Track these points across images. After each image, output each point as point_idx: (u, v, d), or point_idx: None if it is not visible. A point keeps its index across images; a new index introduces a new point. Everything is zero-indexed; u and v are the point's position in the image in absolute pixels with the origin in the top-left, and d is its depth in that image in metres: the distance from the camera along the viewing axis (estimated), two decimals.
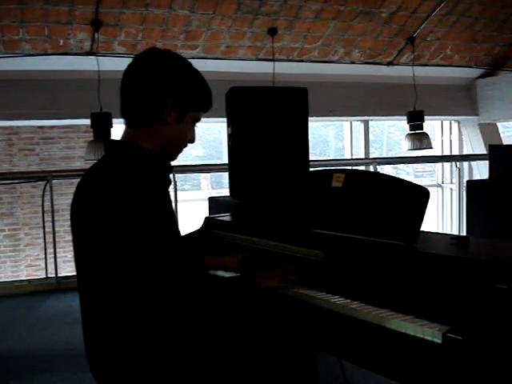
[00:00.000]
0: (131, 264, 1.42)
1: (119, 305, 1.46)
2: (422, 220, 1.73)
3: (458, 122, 7.80)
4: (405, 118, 6.08)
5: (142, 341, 1.46)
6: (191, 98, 1.59)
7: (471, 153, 7.48)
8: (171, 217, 1.50)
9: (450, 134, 7.99)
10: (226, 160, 3.06)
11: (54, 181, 5.28)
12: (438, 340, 1.33)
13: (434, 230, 6.60)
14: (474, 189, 4.77)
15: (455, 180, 7.43)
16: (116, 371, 1.49)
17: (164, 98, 1.54)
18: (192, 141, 1.68)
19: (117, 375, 1.49)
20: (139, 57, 1.60)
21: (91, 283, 1.53)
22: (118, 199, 1.42)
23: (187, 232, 2.30)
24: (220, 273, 2.03)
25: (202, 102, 1.64)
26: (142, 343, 1.46)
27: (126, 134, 1.60)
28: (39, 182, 5.65)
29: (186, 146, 1.68)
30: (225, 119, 2.90)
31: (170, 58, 1.60)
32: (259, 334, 1.71)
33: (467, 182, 5.17)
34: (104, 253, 1.45)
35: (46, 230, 5.32)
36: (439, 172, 8.19)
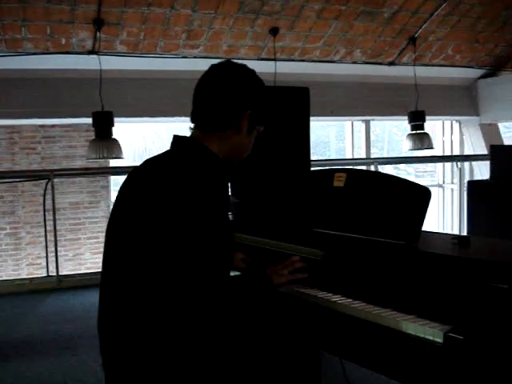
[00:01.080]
0: (171, 257, 1.42)
1: (145, 298, 1.45)
2: (424, 220, 1.73)
3: (459, 123, 7.80)
4: (406, 118, 6.08)
5: (159, 336, 1.46)
6: (263, 112, 1.69)
7: (472, 153, 7.48)
8: (226, 220, 1.54)
9: (451, 134, 7.99)
10: None
11: (55, 179, 5.30)
12: (440, 339, 1.33)
13: (435, 230, 6.60)
14: (474, 189, 4.78)
15: (456, 180, 7.44)
16: (130, 366, 1.49)
17: (243, 109, 1.62)
18: (250, 153, 1.74)
19: (130, 370, 1.49)
20: (217, 67, 1.66)
21: (121, 275, 1.52)
22: (178, 193, 1.45)
23: None
24: None
25: (267, 117, 1.72)
26: (159, 338, 1.46)
27: (194, 135, 1.64)
28: (41, 181, 5.67)
29: (246, 156, 1.74)
30: None
31: (248, 73, 1.68)
32: (263, 333, 1.71)
33: (468, 182, 5.18)
34: (148, 242, 1.45)
35: (48, 228, 5.33)
36: (440, 172, 8.19)
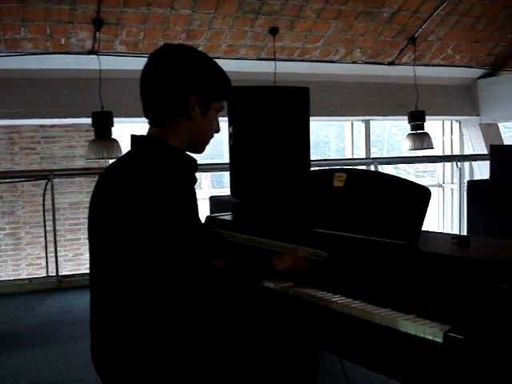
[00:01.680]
0: (151, 257, 1.42)
1: (131, 299, 1.45)
2: (424, 219, 1.73)
3: (459, 122, 7.80)
4: (406, 117, 6.08)
5: (150, 335, 1.46)
6: (213, 89, 1.61)
7: (472, 153, 7.48)
8: (195, 215, 1.51)
9: (451, 134, 7.99)
10: (226, 159, 3.06)
11: (55, 179, 5.29)
12: (440, 339, 1.33)
13: (434, 229, 6.60)
14: (474, 189, 4.77)
15: (456, 180, 7.43)
16: (122, 369, 1.49)
17: (186, 94, 1.55)
18: (218, 130, 1.69)
19: (122, 373, 1.49)
20: (155, 55, 1.60)
21: (105, 278, 1.52)
22: (145, 194, 1.42)
23: None
24: None
25: (223, 91, 1.65)
26: (150, 338, 1.46)
27: (151, 132, 1.61)
28: (40, 181, 5.65)
29: (212, 136, 1.69)
30: (226, 118, 2.89)
31: (186, 53, 1.60)
32: (262, 332, 1.71)
33: (468, 182, 5.17)
34: (125, 245, 1.45)
35: (47, 228, 5.33)
36: (440, 172, 8.19)
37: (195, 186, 1.61)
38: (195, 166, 1.65)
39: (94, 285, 1.58)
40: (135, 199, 1.44)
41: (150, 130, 1.62)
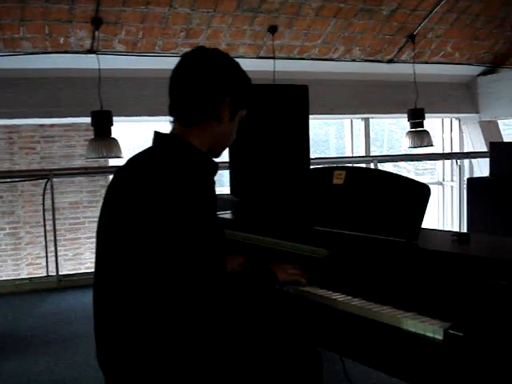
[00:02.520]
0: (164, 256, 1.41)
1: (140, 299, 1.44)
2: (423, 217, 1.73)
3: (459, 120, 7.80)
4: (405, 115, 6.08)
5: (158, 335, 1.45)
6: (243, 96, 1.64)
7: (472, 150, 7.47)
8: (213, 216, 1.50)
9: (451, 131, 7.99)
10: (226, 158, 3.06)
11: (54, 179, 5.30)
12: (440, 336, 1.33)
13: (434, 227, 6.59)
14: (474, 186, 4.77)
15: (456, 177, 7.43)
16: (127, 367, 1.48)
17: (221, 97, 1.57)
18: (234, 139, 1.71)
19: (128, 371, 1.48)
20: (190, 55, 1.61)
21: (114, 277, 1.50)
22: (164, 193, 1.42)
23: None
24: None
25: (249, 100, 1.68)
26: (158, 338, 1.45)
27: (175, 131, 1.60)
28: (40, 181, 5.65)
29: (231, 143, 1.71)
30: None
31: (222, 58, 1.62)
32: (264, 331, 1.71)
33: (468, 179, 5.17)
34: (139, 242, 1.43)
35: (47, 228, 5.33)
36: (440, 170, 8.19)
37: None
38: (215, 169, 1.65)
39: (100, 284, 1.55)
40: (153, 197, 1.43)
41: (174, 128, 1.61)
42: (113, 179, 1.60)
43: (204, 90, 1.56)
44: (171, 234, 1.40)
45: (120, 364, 1.50)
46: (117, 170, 1.61)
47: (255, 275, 1.62)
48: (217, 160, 1.66)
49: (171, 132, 1.61)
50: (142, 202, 1.45)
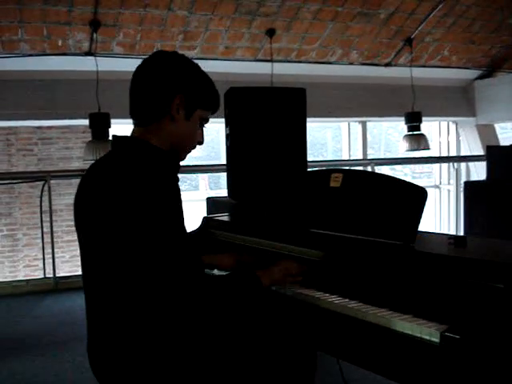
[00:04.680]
0: (134, 259, 1.41)
1: (121, 302, 1.45)
2: (420, 220, 1.73)
3: (456, 123, 7.82)
4: (403, 119, 6.09)
5: (142, 339, 1.46)
6: (198, 95, 1.62)
7: (469, 154, 7.50)
8: (179, 214, 1.49)
9: (448, 135, 8.01)
10: (224, 160, 3.07)
11: (52, 181, 5.29)
12: (436, 339, 1.34)
13: (431, 230, 6.60)
14: (471, 189, 4.79)
15: (453, 181, 7.45)
16: (117, 370, 1.49)
17: (171, 94, 1.57)
18: (201, 142, 1.70)
19: (118, 374, 1.49)
20: (147, 59, 1.63)
21: (95, 280, 1.52)
22: (127, 194, 1.42)
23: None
24: (216, 272, 2.04)
25: (209, 101, 1.66)
26: (142, 341, 1.46)
27: (134, 132, 1.62)
28: (37, 183, 5.65)
29: (194, 147, 1.69)
30: (223, 119, 2.90)
31: (177, 58, 1.62)
32: (258, 333, 1.71)
33: (465, 182, 5.19)
34: (109, 247, 1.44)
35: (44, 230, 5.33)
36: (437, 173, 8.20)
37: (179, 186, 1.59)
38: (177, 165, 1.65)
39: (86, 286, 1.58)
40: (116, 200, 1.43)
41: (133, 130, 1.63)
42: (78, 186, 1.60)
43: (154, 88, 1.58)
44: (133, 234, 1.40)
45: (108, 368, 1.51)
46: (81, 177, 1.62)
47: (240, 280, 1.62)
48: (216, 162, 1.66)
49: (130, 134, 1.62)
50: (103, 206, 1.46)
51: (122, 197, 1.42)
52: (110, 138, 1.64)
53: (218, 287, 1.53)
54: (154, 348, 1.46)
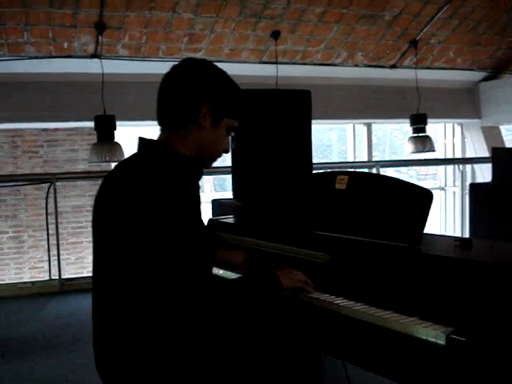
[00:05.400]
0: (150, 261, 1.41)
1: (132, 303, 1.45)
2: (426, 222, 1.73)
3: (461, 125, 7.80)
4: (408, 121, 6.09)
5: (152, 340, 1.45)
6: (226, 103, 1.62)
7: (474, 156, 7.48)
8: (196, 221, 1.50)
9: (453, 137, 7.99)
10: (229, 162, 3.07)
11: (57, 183, 5.31)
12: (442, 341, 1.34)
13: (437, 232, 6.59)
14: (476, 191, 4.77)
15: (458, 183, 7.43)
16: (124, 371, 1.49)
17: (199, 101, 1.57)
18: (226, 151, 1.69)
19: (124, 376, 1.49)
20: (176, 65, 1.64)
21: (106, 280, 1.52)
22: (147, 198, 1.42)
23: None
24: (223, 272, 2.04)
25: (236, 110, 1.66)
26: (152, 343, 1.45)
27: (160, 137, 1.63)
28: (43, 185, 5.67)
29: (220, 155, 1.69)
30: None
31: (206, 66, 1.63)
32: (264, 334, 1.71)
33: (470, 184, 5.17)
34: (126, 248, 1.44)
35: (50, 232, 5.34)
36: (442, 175, 8.19)
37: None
38: (200, 173, 1.65)
39: (96, 288, 1.57)
40: (137, 203, 1.44)
41: (159, 135, 1.64)
42: (100, 185, 1.61)
43: (182, 95, 1.58)
44: (154, 238, 1.41)
45: (115, 370, 1.51)
46: (104, 177, 1.62)
47: (260, 281, 1.62)
48: (221, 164, 1.67)
49: (157, 139, 1.63)
50: (125, 207, 1.46)
51: (142, 200, 1.43)
52: (137, 140, 1.64)
53: (239, 289, 1.54)
54: (163, 350, 1.45)
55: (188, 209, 1.46)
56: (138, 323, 1.45)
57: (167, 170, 1.51)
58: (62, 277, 5.17)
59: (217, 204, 3.27)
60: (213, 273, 1.77)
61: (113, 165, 6.64)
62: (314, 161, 3.08)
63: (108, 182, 1.59)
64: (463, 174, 7.17)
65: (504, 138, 7.63)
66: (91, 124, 4.95)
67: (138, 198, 1.44)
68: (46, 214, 5.38)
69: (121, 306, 1.47)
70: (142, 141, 1.62)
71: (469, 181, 7.29)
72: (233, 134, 1.69)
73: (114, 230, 1.49)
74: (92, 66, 5.11)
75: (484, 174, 7.14)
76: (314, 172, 2.81)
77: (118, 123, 4.84)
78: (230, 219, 2.57)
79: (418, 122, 5.95)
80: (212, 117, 1.59)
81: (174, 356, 1.47)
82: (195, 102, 1.57)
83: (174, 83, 1.60)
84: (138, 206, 1.43)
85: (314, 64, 6.03)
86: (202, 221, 1.54)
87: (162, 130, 1.63)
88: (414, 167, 10.84)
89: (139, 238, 1.42)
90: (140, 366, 1.46)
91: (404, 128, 8.44)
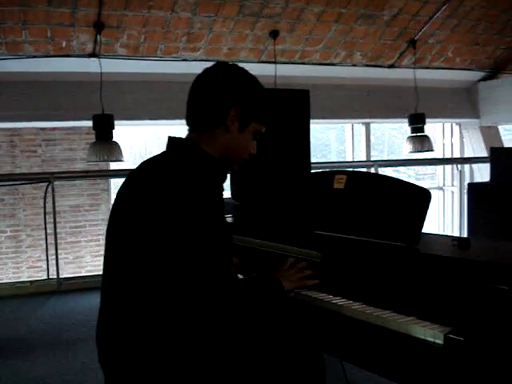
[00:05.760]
0: (172, 259, 1.42)
1: (146, 299, 1.45)
2: (424, 221, 1.73)
3: (460, 125, 7.80)
4: (406, 120, 6.09)
5: (162, 336, 1.45)
6: (254, 108, 1.65)
7: (472, 155, 7.48)
8: (222, 221, 1.53)
9: (452, 136, 8.00)
10: None
11: (55, 182, 5.30)
12: (440, 341, 1.34)
13: (435, 232, 6.59)
14: (475, 191, 4.78)
15: (456, 183, 7.44)
16: (132, 368, 1.48)
17: (228, 105, 1.60)
18: (252, 155, 1.72)
19: (132, 372, 1.48)
20: (208, 69, 1.67)
21: (120, 276, 1.51)
22: (171, 196, 1.44)
23: None
24: None
25: (264, 115, 1.69)
26: (162, 339, 1.45)
27: (188, 137, 1.65)
28: (41, 184, 5.67)
29: (246, 158, 1.71)
30: None
31: (236, 71, 1.67)
32: (266, 334, 1.71)
33: (468, 184, 5.18)
34: (146, 243, 1.45)
35: (48, 231, 5.33)
36: (440, 175, 8.19)
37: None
38: (224, 175, 1.68)
39: (108, 284, 1.56)
40: (162, 201, 1.45)
41: (188, 134, 1.66)
42: (125, 181, 1.63)
43: (210, 98, 1.61)
44: (176, 238, 1.42)
45: (121, 364, 1.51)
46: (130, 172, 1.64)
47: (262, 285, 1.63)
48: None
49: (185, 137, 1.66)
50: (149, 205, 1.47)
51: (166, 198, 1.45)
52: (167, 139, 1.65)
53: (244, 292, 1.55)
54: (175, 346, 1.45)
55: (213, 209, 1.48)
56: (151, 319, 1.45)
57: (196, 169, 1.54)
58: (60, 276, 5.16)
59: None
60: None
61: (111, 164, 6.68)
62: (313, 160, 3.08)
63: (134, 178, 1.60)
64: (461, 173, 7.18)
65: (502, 138, 7.64)
66: (89, 123, 4.94)
67: (161, 196, 1.46)
68: (44, 213, 5.38)
69: (136, 302, 1.47)
70: (170, 139, 1.64)
71: (467, 180, 7.31)
72: (259, 136, 1.72)
73: (135, 227, 1.49)
74: (90, 65, 5.10)
75: (482, 173, 7.14)
76: (313, 171, 2.81)
77: (116, 122, 4.84)
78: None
79: (417, 122, 5.95)
80: (239, 121, 1.62)
81: (183, 353, 1.46)
82: (223, 106, 1.60)
83: (204, 85, 1.64)
84: (159, 204, 1.45)
85: (313, 63, 6.02)
86: (226, 222, 1.57)
87: (189, 130, 1.66)
88: (413, 167, 10.84)
89: (163, 234, 1.43)
90: (148, 362, 1.46)
91: (402, 128, 8.45)
